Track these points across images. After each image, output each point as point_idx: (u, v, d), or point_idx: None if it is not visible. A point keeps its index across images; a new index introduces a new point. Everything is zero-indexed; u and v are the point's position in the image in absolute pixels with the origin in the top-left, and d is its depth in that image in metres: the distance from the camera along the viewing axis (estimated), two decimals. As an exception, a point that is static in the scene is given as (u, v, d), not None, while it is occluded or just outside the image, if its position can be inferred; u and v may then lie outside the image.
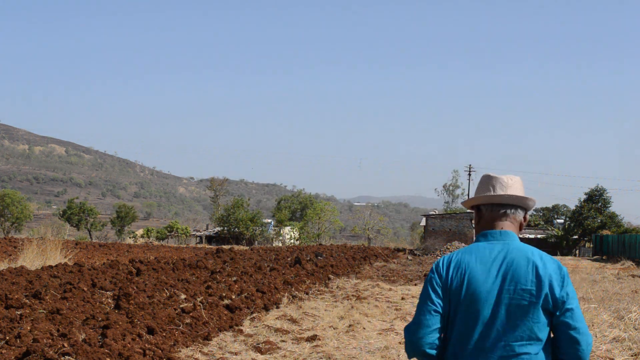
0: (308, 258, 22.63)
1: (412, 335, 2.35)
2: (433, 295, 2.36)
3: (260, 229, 57.71)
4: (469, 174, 64.72)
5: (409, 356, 2.39)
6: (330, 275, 17.90)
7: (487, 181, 2.49)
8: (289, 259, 21.30)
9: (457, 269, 2.36)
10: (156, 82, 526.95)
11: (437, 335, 2.34)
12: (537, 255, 2.33)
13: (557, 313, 2.28)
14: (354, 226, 71.48)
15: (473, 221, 2.56)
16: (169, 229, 61.66)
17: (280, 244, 54.42)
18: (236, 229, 56.77)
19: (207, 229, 68.01)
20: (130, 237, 59.52)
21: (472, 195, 2.85)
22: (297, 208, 74.47)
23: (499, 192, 2.44)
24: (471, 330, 2.29)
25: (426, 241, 40.14)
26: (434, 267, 2.45)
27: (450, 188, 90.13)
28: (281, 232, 59.26)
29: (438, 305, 2.35)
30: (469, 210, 47.27)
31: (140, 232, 66.32)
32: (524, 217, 2.48)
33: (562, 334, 2.28)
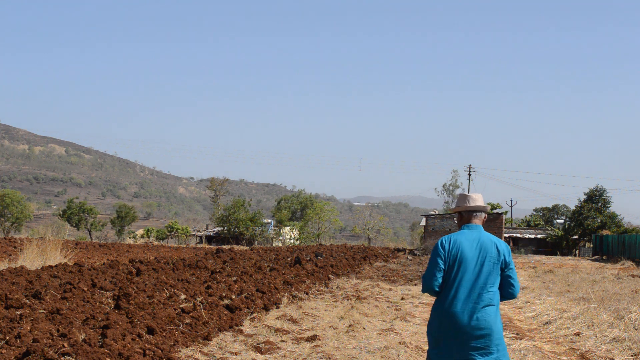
0: (308, 258, 22.63)
1: (426, 281, 4.23)
2: (439, 259, 4.20)
3: (260, 229, 57.69)
4: (469, 174, 64.64)
5: (423, 292, 4.32)
6: (330, 275, 17.90)
7: (464, 197, 4.50)
8: (289, 259, 21.30)
9: (454, 243, 4.24)
10: (156, 83, 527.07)
11: (441, 281, 4.20)
12: (496, 239, 4.29)
13: (505, 270, 4.23)
14: (354, 226, 71.50)
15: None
16: (169, 229, 61.66)
17: (280, 244, 54.41)
18: (236, 229, 56.75)
19: (207, 229, 68.00)
20: (130, 237, 59.51)
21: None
22: (297, 208, 74.39)
23: (472, 203, 4.43)
24: (463, 278, 4.14)
25: (426, 241, 40.15)
26: (439, 241, 4.28)
27: (450, 188, 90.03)
28: (281, 232, 59.25)
29: (442, 264, 4.19)
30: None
31: (140, 232, 66.31)
32: (485, 216, 4.45)
33: (505, 281, 4.25)
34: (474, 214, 4.37)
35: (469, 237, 4.24)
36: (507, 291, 4.23)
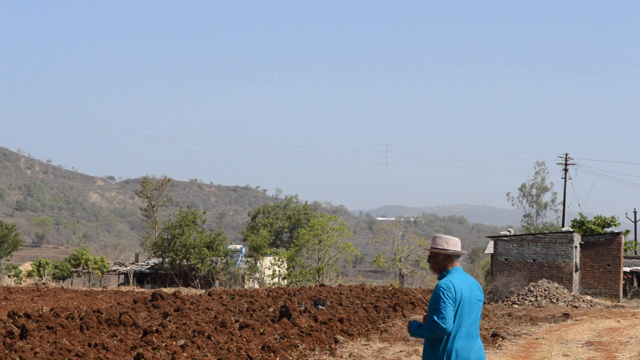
0: (302, 308, 22.65)
1: (447, 325, 7.16)
2: (453, 301, 7.25)
3: (224, 261, 57.77)
4: (565, 169, 64.50)
5: (439, 335, 7.23)
6: (338, 336, 17.92)
7: (441, 239, 7.69)
8: (271, 309, 21.25)
9: (457, 286, 7.34)
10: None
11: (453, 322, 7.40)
12: (475, 279, 7.68)
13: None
14: (376, 255, 71.54)
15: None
16: (73, 261, 61.72)
17: (257, 285, 54.49)
18: (184, 260, 56.82)
19: (136, 260, 68.13)
20: (10, 276, 59.56)
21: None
22: (284, 226, 74.20)
23: (451, 247, 7.56)
24: (463, 318, 7.32)
25: (495, 279, 40.05)
26: (446, 285, 7.33)
27: (534, 191, 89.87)
28: (258, 265, 59.32)
29: (453, 307, 7.26)
30: (564, 230, 47.29)
31: (27, 266, 66.34)
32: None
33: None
34: (456, 257, 7.47)
35: (464, 279, 7.34)
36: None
